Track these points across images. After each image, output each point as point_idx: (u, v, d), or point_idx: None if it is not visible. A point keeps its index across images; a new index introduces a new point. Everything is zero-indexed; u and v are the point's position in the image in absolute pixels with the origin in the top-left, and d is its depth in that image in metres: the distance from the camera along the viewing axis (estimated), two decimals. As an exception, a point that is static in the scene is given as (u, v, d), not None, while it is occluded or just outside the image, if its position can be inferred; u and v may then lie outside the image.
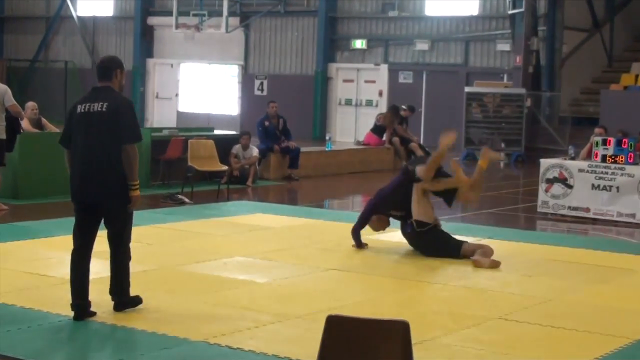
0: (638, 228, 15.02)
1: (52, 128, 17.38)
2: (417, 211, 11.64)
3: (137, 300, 8.47)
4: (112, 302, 8.35)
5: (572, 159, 16.26)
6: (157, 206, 15.56)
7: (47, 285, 9.33)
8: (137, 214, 14.04)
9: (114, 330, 7.78)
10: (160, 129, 19.93)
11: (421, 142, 25.76)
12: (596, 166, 15.53)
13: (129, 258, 8.40)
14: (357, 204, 18.90)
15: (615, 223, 15.32)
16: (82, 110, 8.15)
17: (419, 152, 24.06)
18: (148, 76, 38.25)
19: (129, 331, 7.75)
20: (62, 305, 8.48)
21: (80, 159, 8.14)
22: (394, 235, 12.78)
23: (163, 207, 15.49)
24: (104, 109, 8.06)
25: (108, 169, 8.06)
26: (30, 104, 17.15)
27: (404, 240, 12.05)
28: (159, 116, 37.35)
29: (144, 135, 17.79)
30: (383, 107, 31.54)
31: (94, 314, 8.18)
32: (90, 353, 7.11)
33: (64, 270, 9.98)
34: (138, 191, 8.10)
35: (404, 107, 25.00)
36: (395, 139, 24.08)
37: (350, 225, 12.67)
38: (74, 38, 39.99)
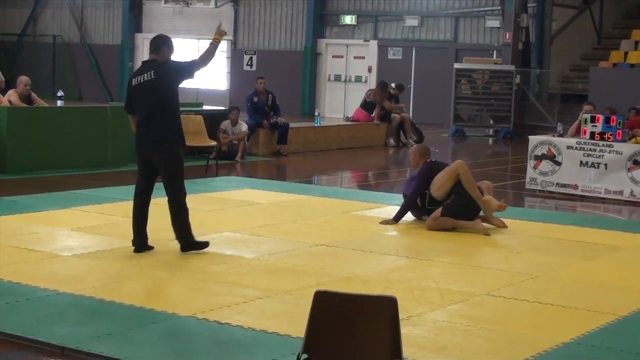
0: (626, 205, 15.07)
1: (42, 103, 17.31)
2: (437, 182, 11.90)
3: (204, 244, 9.84)
4: (179, 245, 9.75)
5: (561, 135, 16.27)
6: (146, 181, 15.53)
7: (35, 259, 9.32)
8: (124, 190, 14.09)
9: (102, 304, 7.78)
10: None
11: (410, 118, 25.77)
12: (584, 143, 15.56)
13: (186, 207, 9.71)
14: (346, 179, 18.91)
15: (603, 200, 15.36)
16: (137, 83, 9.63)
17: (408, 124, 24.19)
18: (137, 51, 38.14)
19: (117, 306, 7.75)
20: (50, 279, 8.49)
21: (143, 123, 9.58)
22: (382, 211, 12.81)
23: (151, 182, 15.47)
24: (152, 76, 9.53)
25: (159, 128, 9.50)
26: (24, 79, 17.05)
27: (391, 217, 12.09)
28: (147, 91, 37.20)
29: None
30: (372, 83, 31.51)
31: (151, 247, 9.80)
32: (78, 327, 7.11)
33: (52, 245, 10.01)
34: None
35: (392, 85, 25.02)
36: (395, 116, 24.13)
37: (338, 201, 12.72)
38: (62, 12, 39.83)
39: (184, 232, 9.78)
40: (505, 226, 12.01)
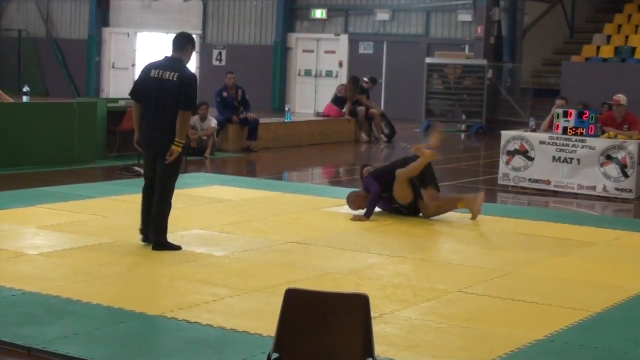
0: (598, 200, 15.13)
1: (7, 98, 17.19)
2: (398, 195, 12.30)
3: (177, 247, 9.87)
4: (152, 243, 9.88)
5: (533, 130, 16.33)
6: (113, 178, 15.49)
7: (0, 258, 9.24)
8: (92, 187, 14.03)
9: (69, 303, 7.73)
10: (116, 100, 19.77)
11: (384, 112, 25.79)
12: (557, 138, 15.61)
13: (169, 206, 9.90)
14: (317, 175, 18.91)
15: (575, 195, 15.42)
16: (156, 76, 9.79)
17: (378, 119, 24.16)
18: (104, 45, 37.95)
19: (84, 305, 7.70)
20: (16, 278, 8.43)
21: (151, 118, 9.81)
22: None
23: (119, 178, 15.42)
24: (174, 79, 9.70)
25: (170, 128, 9.67)
26: None
27: (363, 213, 12.14)
28: (114, 86, 37.10)
29: (99, 106, 17.80)
30: (343, 78, 31.53)
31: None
32: (44, 327, 7.07)
33: (18, 244, 9.94)
34: (180, 148, 9.70)
35: (365, 79, 25.03)
36: (361, 109, 24.10)
37: (309, 197, 12.74)
38: (28, 6, 39.56)
39: (159, 231, 9.86)
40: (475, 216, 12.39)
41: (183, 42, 9.98)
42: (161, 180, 9.84)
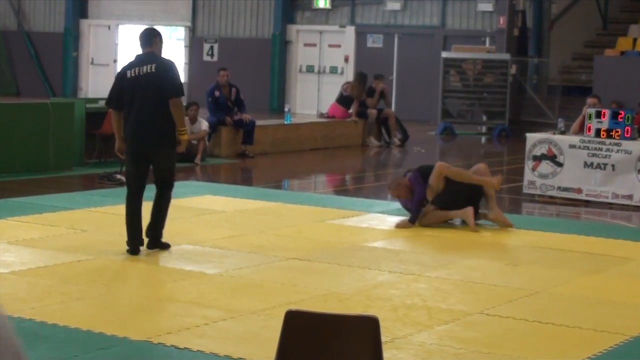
0: (636, 211, 15.12)
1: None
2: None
3: (167, 245, 10.58)
4: (146, 240, 10.47)
5: (562, 133, 16.33)
6: (93, 187, 15.51)
7: (-33, 277, 9.27)
8: (69, 197, 14.05)
9: (44, 328, 7.75)
10: (96, 100, 19.82)
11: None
12: (589, 141, 15.61)
13: (169, 202, 10.63)
14: (320, 184, 18.92)
15: (610, 205, 15.41)
16: (133, 74, 10.36)
17: (393, 121, 24.19)
18: (82, 39, 37.99)
19: (61, 329, 7.72)
20: (-16, 300, 8.45)
21: (136, 116, 10.28)
22: (361, 220, 12.82)
23: (99, 188, 15.44)
24: (153, 70, 10.30)
25: (158, 122, 10.26)
26: None
27: (372, 226, 12.24)
28: (94, 85, 37.13)
29: (77, 106, 17.82)
30: (349, 75, 31.55)
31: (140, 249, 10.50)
32: (16, 354, 7.07)
33: (-13, 261, 9.94)
34: (186, 135, 10.62)
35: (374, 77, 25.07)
36: (372, 112, 24.12)
37: (312, 209, 12.75)
38: (-4, -4, 39.68)
39: (158, 228, 10.56)
40: (510, 224, 12.69)
41: (150, 38, 10.59)
42: (166, 180, 10.54)
